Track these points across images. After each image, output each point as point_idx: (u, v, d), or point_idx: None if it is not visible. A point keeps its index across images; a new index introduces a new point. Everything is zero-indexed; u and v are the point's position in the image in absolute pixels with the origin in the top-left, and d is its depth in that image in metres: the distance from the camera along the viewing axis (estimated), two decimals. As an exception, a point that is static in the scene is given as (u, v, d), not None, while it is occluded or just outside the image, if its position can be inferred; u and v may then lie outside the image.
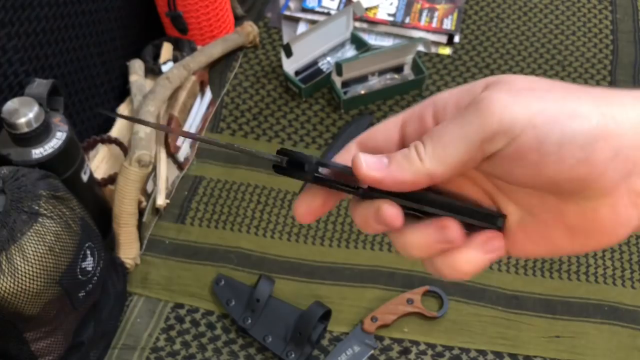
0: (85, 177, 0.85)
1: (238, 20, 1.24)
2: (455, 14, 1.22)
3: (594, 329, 0.85)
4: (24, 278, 0.68)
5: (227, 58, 1.18)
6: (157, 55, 1.12)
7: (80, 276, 0.75)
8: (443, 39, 1.19)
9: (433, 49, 1.19)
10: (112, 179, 0.94)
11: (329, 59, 1.17)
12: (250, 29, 1.17)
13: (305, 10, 1.23)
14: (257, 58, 1.19)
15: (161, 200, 0.96)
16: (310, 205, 0.33)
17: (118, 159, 0.99)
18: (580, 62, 1.16)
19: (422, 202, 0.31)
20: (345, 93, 1.10)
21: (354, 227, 0.96)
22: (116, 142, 0.98)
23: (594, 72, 1.14)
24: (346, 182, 0.32)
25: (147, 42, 1.14)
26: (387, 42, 1.20)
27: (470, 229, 0.32)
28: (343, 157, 0.33)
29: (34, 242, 0.68)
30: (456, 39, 1.20)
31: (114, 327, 0.86)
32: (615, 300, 0.87)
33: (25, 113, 0.75)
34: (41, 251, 0.69)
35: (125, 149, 0.98)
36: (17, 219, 0.68)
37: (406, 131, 0.33)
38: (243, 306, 0.87)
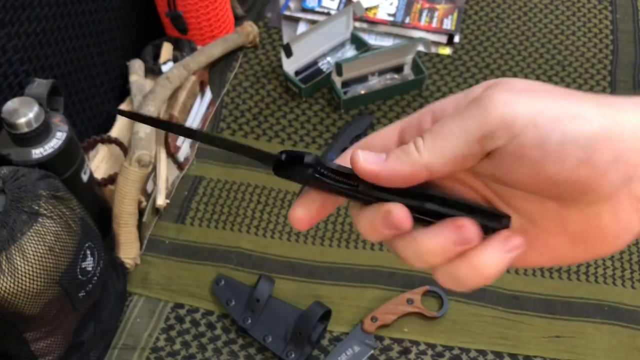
0: (85, 177, 0.85)
1: (238, 20, 1.24)
2: (455, 14, 1.22)
3: (594, 329, 0.85)
4: (24, 278, 0.68)
5: (227, 58, 1.18)
6: (157, 55, 1.12)
7: (80, 276, 0.75)
8: (443, 39, 1.19)
9: (433, 49, 1.19)
10: (112, 179, 0.94)
11: (329, 59, 1.17)
12: (250, 29, 1.17)
13: (305, 10, 1.23)
14: (257, 58, 1.19)
15: (161, 200, 0.96)
16: (306, 211, 0.33)
17: (118, 159, 0.99)
18: (580, 62, 1.16)
19: (426, 200, 0.30)
20: (345, 93, 1.10)
21: (354, 227, 0.96)
22: (116, 142, 0.98)
23: (594, 72, 1.14)
24: (345, 181, 0.31)
25: (147, 42, 1.14)
26: (387, 42, 1.20)
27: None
28: (342, 162, 0.33)
29: (34, 242, 0.68)
30: (456, 39, 1.20)
31: (114, 327, 0.86)
32: (615, 300, 0.87)
33: (25, 113, 0.75)
34: (41, 251, 0.69)
35: (125, 149, 0.98)
36: (17, 219, 0.68)
37: (405, 138, 0.33)
38: (243, 306, 0.87)
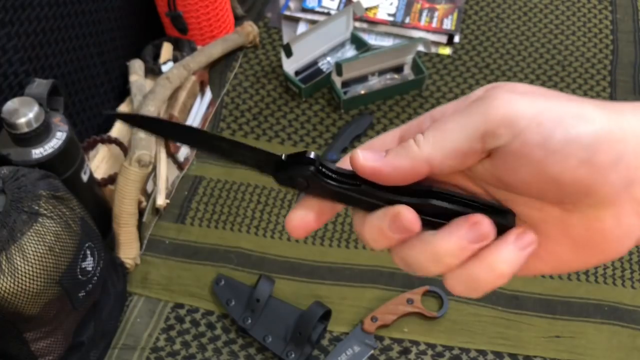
0: (85, 177, 0.85)
1: (238, 20, 1.24)
2: (455, 14, 1.22)
3: (594, 329, 0.85)
4: (24, 278, 0.68)
5: (227, 58, 1.18)
6: (157, 55, 1.12)
7: (80, 276, 0.75)
8: (443, 39, 1.19)
9: (433, 49, 1.19)
10: (112, 179, 0.94)
11: (329, 59, 1.17)
12: (250, 29, 1.17)
13: (305, 10, 1.23)
14: (257, 58, 1.19)
15: (161, 200, 0.96)
16: (303, 219, 0.32)
17: (118, 159, 0.99)
18: (580, 62, 1.16)
19: (431, 197, 0.30)
20: (345, 93, 1.10)
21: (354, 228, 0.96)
22: (116, 142, 0.98)
23: (594, 72, 1.14)
24: (347, 181, 0.31)
25: (147, 42, 1.14)
26: (387, 42, 1.20)
27: None
28: (342, 165, 0.32)
29: (34, 242, 0.68)
30: (456, 39, 1.20)
31: (114, 327, 0.86)
32: (615, 300, 0.87)
33: (25, 113, 0.75)
34: (41, 251, 0.69)
35: (125, 149, 0.98)
36: (17, 219, 0.68)
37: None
38: (243, 306, 0.87)
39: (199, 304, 0.90)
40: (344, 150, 1.04)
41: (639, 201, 0.28)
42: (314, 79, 1.12)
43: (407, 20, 1.21)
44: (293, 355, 0.83)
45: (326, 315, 0.85)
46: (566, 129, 0.27)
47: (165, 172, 0.98)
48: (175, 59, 1.11)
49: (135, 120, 0.33)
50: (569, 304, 0.87)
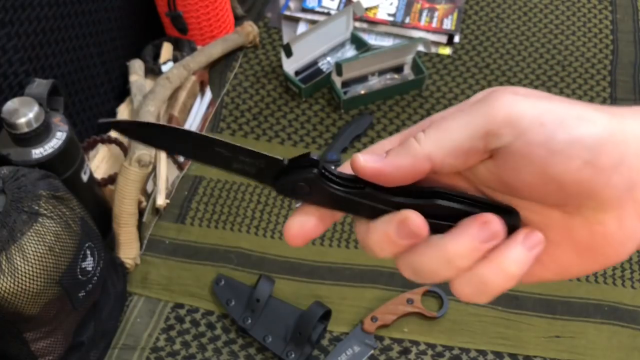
0: (85, 177, 0.85)
1: (238, 20, 1.24)
2: (455, 14, 1.22)
3: (594, 329, 0.85)
4: (24, 278, 0.68)
5: (227, 58, 1.18)
6: (157, 55, 1.12)
7: (80, 276, 0.75)
8: (443, 39, 1.19)
9: (433, 49, 1.19)
10: (112, 179, 0.95)
11: (329, 59, 1.17)
12: (250, 29, 1.17)
13: (305, 10, 1.23)
14: (257, 58, 1.19)
15: (161, 200, 0.96)
16: (303, 227, 0.32)
17: (118, 159, 0.99)
18: (580, 62, 1.16)
19: (436, 197, 0.29)
20: (345, 93, 1.10)
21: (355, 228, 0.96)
22: (116, 142, 0.98)
23: (594, 72, 1.14)
24: (349, 185, 0.30)
25: (147, 42, 1.14)
26: (387, 42, 1.20)
27: None
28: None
29: (34, 242, 0.68)
30: (456, 39, 1.20)
31: (114, 327, 0.86)
32: (615, 300, 0.87)
33: (25, 113, 0.75)
34: (41, 251, 0.69)
35: (125, 149, 0.98)
36: (17, 219, 0.68)
37: None
38: (243, 306, 0.87)
39: (199, 304, 0.90)
40: (344, 151, 1.04)
41: None
42: (314, 79, 1.12)
43: (407, 20, 1.21)
44: (293, 355, 0.83)
45: (326, 315, 0.85)
46: (569, 130, 0.27)
47: (165, 172, 0.98)
48: (175, 59, 1.11)
49: (132, 131, 0.32)
50: (569, 304, 0.87)
